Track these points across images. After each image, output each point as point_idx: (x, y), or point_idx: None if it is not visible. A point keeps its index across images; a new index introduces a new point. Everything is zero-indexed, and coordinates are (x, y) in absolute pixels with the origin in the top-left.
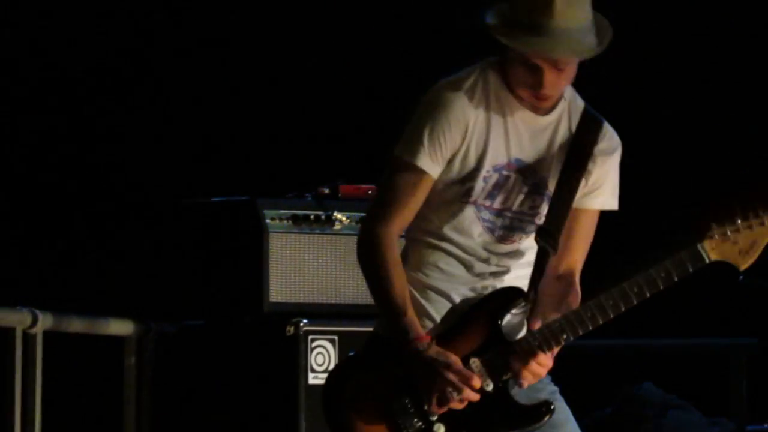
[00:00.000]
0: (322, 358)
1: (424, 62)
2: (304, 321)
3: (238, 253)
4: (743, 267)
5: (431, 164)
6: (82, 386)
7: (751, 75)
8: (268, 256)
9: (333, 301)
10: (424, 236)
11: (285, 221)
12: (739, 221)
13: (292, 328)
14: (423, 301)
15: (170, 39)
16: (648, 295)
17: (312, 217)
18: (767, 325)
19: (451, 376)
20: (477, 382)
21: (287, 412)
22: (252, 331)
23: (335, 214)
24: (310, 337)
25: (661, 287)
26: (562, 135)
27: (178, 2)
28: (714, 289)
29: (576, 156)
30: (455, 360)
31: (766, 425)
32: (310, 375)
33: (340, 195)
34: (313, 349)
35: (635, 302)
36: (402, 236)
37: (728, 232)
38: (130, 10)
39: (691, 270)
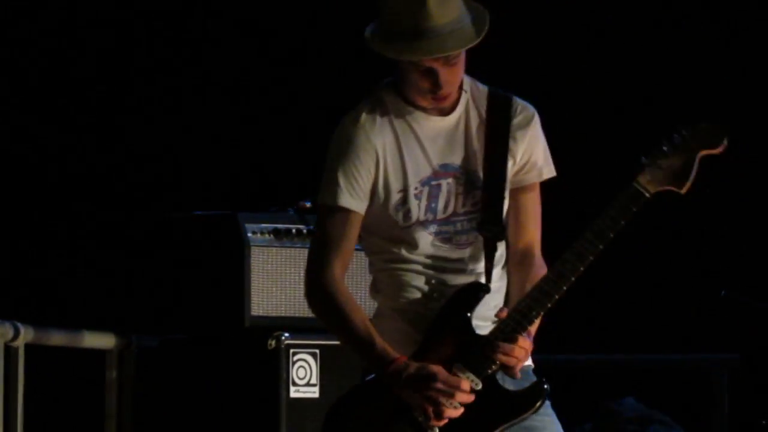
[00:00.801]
0: (303, 372)
1: None
2: (286, 335)
3: (220, 267)
4: (683, 190)
5: (352, 201)
6: (64, 399)
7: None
8: (249, 270)
9: (314, 315)
10: (389, 265)
11: (266, 235)
12: (665, 147)
13: (273, 342)
14: (410, 326)
15: (151, 55)
16: (601, 246)
17: (293, 231)
18: (749, 340)
19: (439, 386)
20: (466, 385)
21: (269, 426)
22: (233, 344)
23: None
24: (291, 350)
25: (611, 235)
26: (474, 124)
27: (161, 19)
28: (695, 305)
29: (494, 139)
30: (438, 369)
31: None
32: (292, 389)
33: None
34: (294, 363)
35: (591, 258)
36: (371, 271)
37: (658, 161)
38: (112, 26)
39: (634, 208)
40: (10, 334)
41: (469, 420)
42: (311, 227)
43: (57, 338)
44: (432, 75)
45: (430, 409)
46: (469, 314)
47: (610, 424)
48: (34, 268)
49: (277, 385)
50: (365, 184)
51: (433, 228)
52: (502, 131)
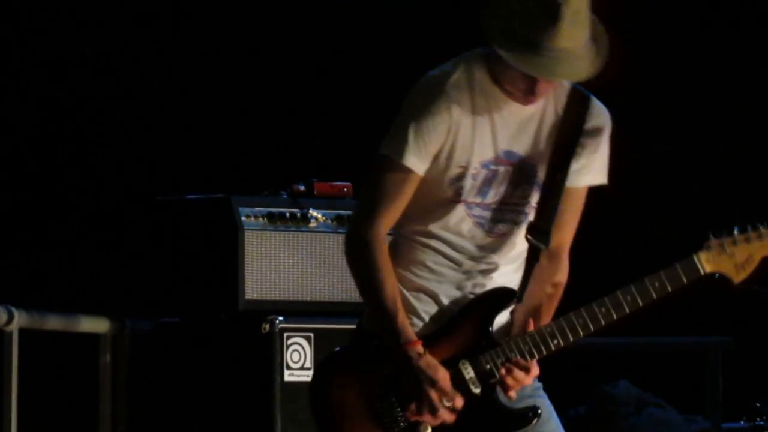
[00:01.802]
0: (297, 356)
1: (399, 61)
2: (280, 318)
3: (214, 250)
4: (738, 281)
5: (417, 162)
6: (58, 383)
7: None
8: (243, 254)
9: (308, 299)
10: (413, 235)
11: (260, 219)
12: (737, 233)
13: (267, 326)
14: (413, 301)
15: (145, 37)
16: (641, 304)
17: (287, 214)
18: (742, 322)
19: (434, 395)
20: (459, 403)
21: (263, 409)
22: (227, 328)
23: (310, 211)
24: (285, 334)
25: (655, 297)
26: (549, 119)
27: (155, 5)
28: (689, 287)
29: (565, 138)
30: (443, 377)
31: (741, 422)
32: (286, 372)
33: (315, 192)
34: (288, 347)
35: (628, 311)
36: (390, 233)
37: (725, 245)
38: (106, 8)
39: (685, 281)
40: (4, 318)
41: (456, 420)
42: (305, 211)
43: (51, 322)
44: (532, 82)
45: (416, 405)
46: (492, 318)
47: (604, 407)
48: (28, 253)
49: (271, 368)
50: (432, 149)
51: (475, 211)
52: (575, 130)
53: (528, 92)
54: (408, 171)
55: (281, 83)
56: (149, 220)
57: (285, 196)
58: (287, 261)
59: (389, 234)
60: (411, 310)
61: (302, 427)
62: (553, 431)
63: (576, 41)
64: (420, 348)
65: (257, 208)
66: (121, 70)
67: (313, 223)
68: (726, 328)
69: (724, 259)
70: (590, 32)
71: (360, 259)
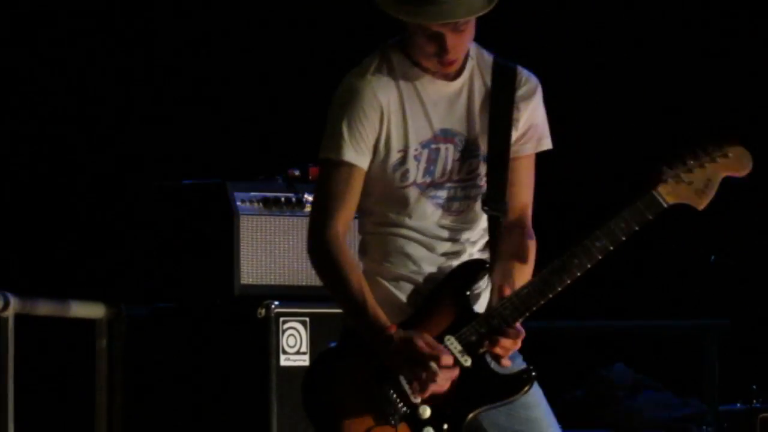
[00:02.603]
0: (293, 340)
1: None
2: (276, 303)
3: (209, 235)
4: (701, 207)
5: (356, 156)
6: (54, 369)
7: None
8: (238, 239)
9: (304, 283)
10: (379, 228)
11: (256, 204)
12: (691, 161)
13: (263, 311)
14: (394, 290)
15: (140, 22)
16: (611, 247)
17: (283, 199)
18: (739, 305)
19: (422, 345)
20: (448, 360)
21: (259, 394)
22: (223, 313)
23: (306, 196)
24: (281, 319)
25: (623, 238)
26: (478, 92)
27: None
28: (686, 270)
29: (499, 109)
30: (425, 337)
31: (738, 405)
32: (282, 357)
33: (310, 177)
34: (284, 331)
35: (599, 257)
36: (361, 233)
37: (681, 174)
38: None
39: (650, 216)
40: (0, 304)
41: (453, 396)
42: (300, 195)
43: (47, 308)
44: (439, 39)
45: (414, 381)
46: (467, 291)
47: (601, 390)
48: (24, 239)
49: (267, 353)
50: (369, 140)
51: (427, 192)
52: (506, 102)
53: (440, 52)
54: (351, 166)
55: (276, 67)
56: (145, 205)
57: (280, 181)
58: (283, 246)
59: (368, 233)
60: (394, 300)
61: (298, 411)
62: (543, 417)
63: None
64: (393, 330)
65: (252, 193)
66: (116, 56)
67: (308, 208)
68: (723, 311)
69: (683, 188)
70: None
71: (322, 261)
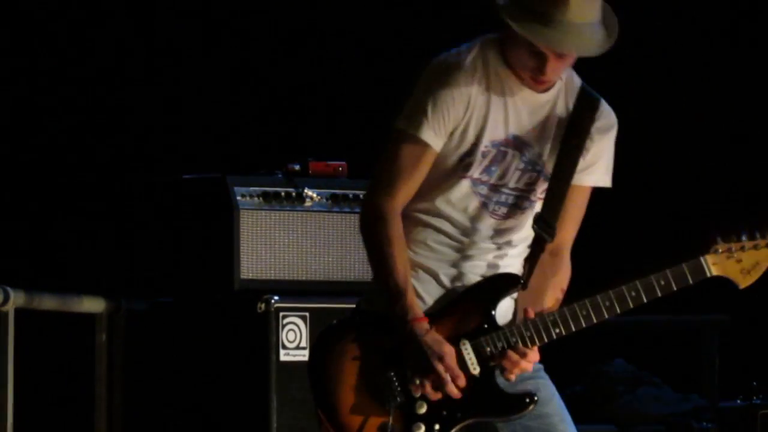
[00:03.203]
0: (293, 335)
1: (396, 43)
2: (275, 298)
3: (209, 230)
4: (744, 286)
5: (434, 137)
6: (54, 363)
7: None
8: (238, 234)
9: (304, 278)
10: (415, 213)
11: (255, 198)
12: (745, 239)
13: (263, 305)
14: (412, 279)
15: (138, 19)
16: (645, 300)
17: (282, 194)
18: (739, 301)
19: (440, 368)
20: (462, 382)
21: (258, 389)
22: (223, 308)
23: (306, 190)
24: (281, 314)
25: (660, 294)
26: (559, 113)
27: None
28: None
29: (573, 134)
30: (449, 352)
31: (738, 401)
32: (282, 352)
33: (310, 172)
34: (284, 326)
35: (632, 306)
36: None
37: (733, 249)
38: None
39: (691, 281)
40: (0, 298)
41: (453, 402)
42: (300, 190)
43: (47, 302)
44: (541, 59)
45: (420, 380)
46: (497, 302)
47: (600, 385)
48: (23, 232)
49: (266, 348)
50: (449, 126)
51: (480, 189)
52: (584, 128)
53: (537, 71)
54: (425, 146)
55: (276, 62)
56: (145, 199)
57: (280, 176)
58: (282, 240)
59: (404, 214)
60: None
61: (298, 406)
62: (555, 412)
63: (586, 17)
64: (426, 324)
65: (252, 188)
66: (116, 53)
67: (308, 203)
68: (722, 306)
69: (731, 264)
70: (601, 15)
71: (374, 232)
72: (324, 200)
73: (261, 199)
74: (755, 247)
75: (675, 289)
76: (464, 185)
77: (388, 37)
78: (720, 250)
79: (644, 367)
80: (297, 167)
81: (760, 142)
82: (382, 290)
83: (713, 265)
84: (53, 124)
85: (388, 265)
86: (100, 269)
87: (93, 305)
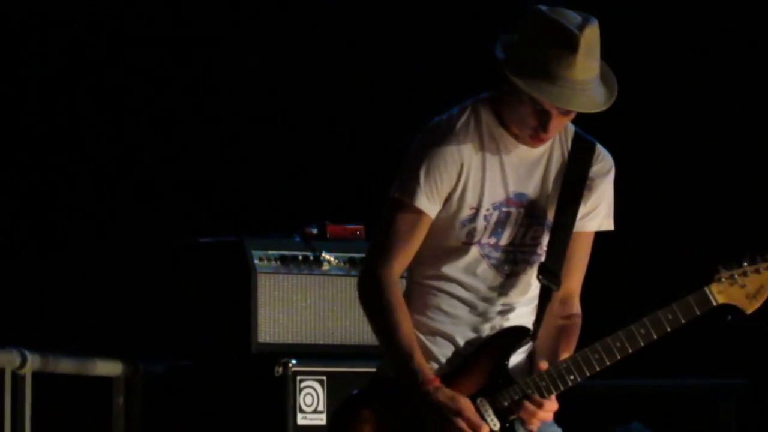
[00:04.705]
0: (310, 399)
1: (411, 105)
2: (293, 361)
3: (227, 293)
4: (750, 311)
5: (428, 204)
6: (71, 427)
7: None
8: (256, 297)
9: (321, 342)
10: (427, 280)
11: (273, 261)
12: (746, 264)
13: (280, 369)
14: (429, 345)
15: (154, 73)
16: (655, 336)
17: (300, 257)
18: (757, 364)
19: (462, 424)
20: (485, 430)
21: None
22: (240, 371)
23: (323, 254)
24: (298, 377)
25: (669, 329)
26: (556, 162)
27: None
28: (703, 328)
29: (572, 182)
30: (466, 406)
31: None
32: (299, 415)
33: (328, 235)
34: (301, 390)
35: (642, 344)
36: (403, 277)
37: (735, 276)
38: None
39: (698, 312)
40: (17, 361)
41: None
42: (317, 254)
43: (64, 365)
44: (545, 117)
45: None
46: (508, 356)
47: None
48: (41, 295)
49: (284, 411)
50: (443, 191)
51: (489, 252)
52: (580, 175)
53: (539, 128)
54: (419, 213)
55: (293, 124)
56: (163, 262)
57: (298, 239)
58: (300, 304)
59: (402, 277)
60: (428, 354)
61: None
62: None
63: (590, 74)
64: (437, 383)
65: (270, 251)
66: (135, 110)
67: (325, 266)
68: (740, 370)
69: (735, 290)
70: (600, 71)
71: (374, 300)
72: (342, 263)
73: (279, 262)
74: (757, 271)
75: (683, 322)
76: (473, 252)
77: (407, 102)
78: (723, 278)
79: (661, 431)
80: (315, 230)
81: (752, 172)
82: (389, 357)
83: (718, 293)
84: (71, 187)
85: (392, 331)
86: (118, 332)
87: (110, 368)
